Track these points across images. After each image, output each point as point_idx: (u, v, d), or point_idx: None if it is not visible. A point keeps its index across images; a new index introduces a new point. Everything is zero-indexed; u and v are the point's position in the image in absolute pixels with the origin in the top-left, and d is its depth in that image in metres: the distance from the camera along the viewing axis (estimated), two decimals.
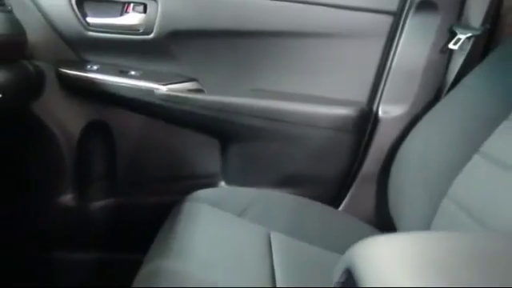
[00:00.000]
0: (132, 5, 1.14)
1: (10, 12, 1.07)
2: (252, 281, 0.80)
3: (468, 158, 0.91)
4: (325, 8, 1.12)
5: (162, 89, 1.13)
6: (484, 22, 1.04)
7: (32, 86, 1.13)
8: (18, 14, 1.08)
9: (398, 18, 1.11)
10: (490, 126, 0.91)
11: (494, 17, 1.09)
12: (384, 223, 1.09)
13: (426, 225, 0.93)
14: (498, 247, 0.53)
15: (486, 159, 0.88)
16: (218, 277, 0.78)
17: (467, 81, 1.02)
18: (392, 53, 1.12)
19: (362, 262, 0.44)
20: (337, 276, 0.47)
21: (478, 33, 1.03)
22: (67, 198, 1.21)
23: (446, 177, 0.92)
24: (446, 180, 0.92)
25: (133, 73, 1.15)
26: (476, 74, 1.00)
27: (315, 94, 1.17)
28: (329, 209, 1.13)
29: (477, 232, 0.81)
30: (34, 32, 1.10)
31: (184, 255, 0.80)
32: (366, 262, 0.43)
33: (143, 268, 0.79)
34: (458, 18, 1.08)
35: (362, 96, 1.16)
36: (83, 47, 1.15)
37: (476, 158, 0.90)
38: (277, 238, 0.94)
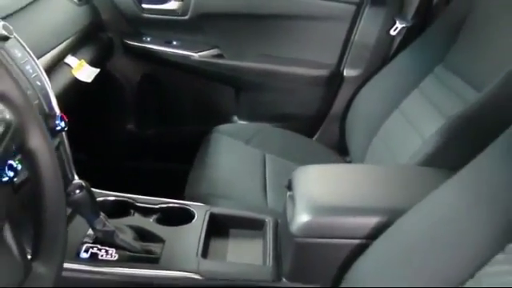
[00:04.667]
0: None
1: (91, 2, 1.55)
2: (252, 183, 1.30)
3: (391, 111, 1.35)
4: None
5: (195, 55, 1.61)
6: (414, 16, 1.49)
7: (106, 50, 1.62)
8: (96, 2, 1.56)
9: (359, 8, 1.55)
10: (407, 90, 1.34)
11: (428, 9, 1.52)
12: (341, 148, 1.61)
13: (363, 150, 1.40)
14: (383, 171, 1.05)
15: (401, 114, 1.32)
16: (235, 179, 1.31)
17: (401, 55, 1.46)
18: (354, 32, 1.57)
19: (296, 175, 0.96)
20: (287, 183, 1.00)
21: (409, 24, 1.49)
22: (130, 127, 1.75)
23: (377, 122, 1.36)
24: (377, 124, 1.36)
25: (174, 43, 1.62)
26: (407, 51, 1.44)
27: (299, 58, 1.63)
28: (306, 139, 1.63)
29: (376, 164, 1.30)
30: (106, 14, 1.59)
31: (215, 167, 1.34)
32: (297, 176, 0.95)
33: (190, 175, 1.33)
34: (400, 10, 1.52)
35: (332, 61, 1.62)
36: (139, 24, 1.62)
37: (396, 112, 1.34)
38: (269, 158, 1.43)
